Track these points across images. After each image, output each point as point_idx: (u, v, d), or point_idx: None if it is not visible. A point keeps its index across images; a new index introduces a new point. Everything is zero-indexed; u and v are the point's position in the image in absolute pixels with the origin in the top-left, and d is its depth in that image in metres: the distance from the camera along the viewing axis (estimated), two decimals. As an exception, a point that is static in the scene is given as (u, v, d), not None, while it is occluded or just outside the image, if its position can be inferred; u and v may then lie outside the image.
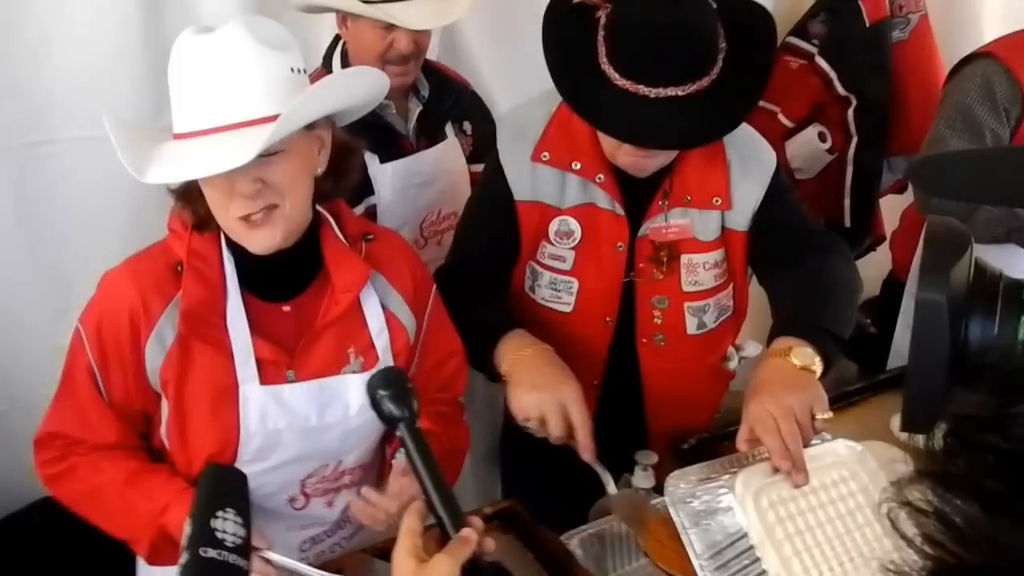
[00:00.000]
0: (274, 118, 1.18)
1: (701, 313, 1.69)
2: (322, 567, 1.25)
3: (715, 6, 1.45)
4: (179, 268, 1.30)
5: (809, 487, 1.27)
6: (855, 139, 2.72)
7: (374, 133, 1.92)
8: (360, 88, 1.36)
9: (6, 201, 1.93)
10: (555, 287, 1.67)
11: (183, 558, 1.06)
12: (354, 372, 1.36)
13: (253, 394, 1.32)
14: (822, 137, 2.74)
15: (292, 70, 1.24)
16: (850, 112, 2.71)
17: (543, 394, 1.44)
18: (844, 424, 1.50)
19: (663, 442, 1.68)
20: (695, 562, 1.20)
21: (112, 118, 1.24)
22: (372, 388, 1.05)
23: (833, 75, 2.70)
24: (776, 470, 1.27)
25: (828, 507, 1.28)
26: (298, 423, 1.34)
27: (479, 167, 2.05)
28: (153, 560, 1.35)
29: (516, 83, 2.16)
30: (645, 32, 1.40)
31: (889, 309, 2.35)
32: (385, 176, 1.96)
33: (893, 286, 2.40)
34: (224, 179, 1.20)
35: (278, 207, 1.25)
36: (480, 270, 1.67)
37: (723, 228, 1.63)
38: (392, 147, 1.97)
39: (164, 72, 2.05)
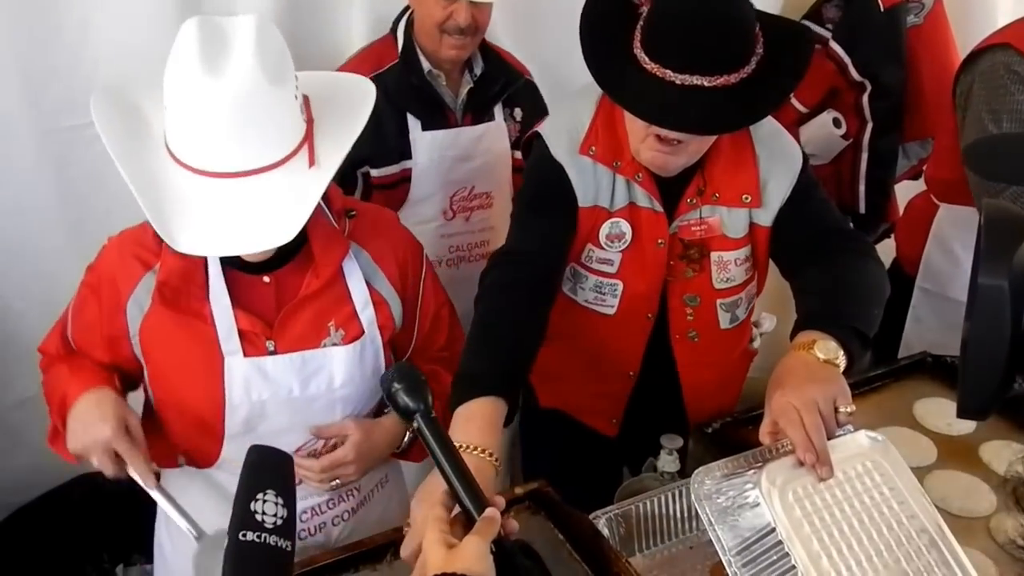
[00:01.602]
0: (291, 156, 1.22)
1: (734, 308, 1.71)
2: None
3: (754, 12, 1.45)
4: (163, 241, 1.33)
5: (834, 480, 1.26)
6: (870, 124, 2.72)
7: (421, 100, 2.02)
8: (358, 120, 1.33)
9: (49, 183, 1.96)
10: (600, 290, 1.68)
11: (226, 543, 1.08)
12: (335, 344, 1.40)
13: (237, 365, 1.35)
14: (836, 123, 2.73)
15: (295, 98, 1.25)
16: (865, 97, 2.70)
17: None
18: (866, 410, 1.49)
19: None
20: (724, 558, 1.19)
21: (102, 119, 1.25)
22: (386, 382, 1.07)
23: (847, 60, 2.69)
24: (801, 463, 1.27)
25: (854, 500, 1.26)
26: (281, 394, 1.38)
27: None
28: (52, 443, 1.40)
29: (558, 82, 2.19)
30: (678, 20, 1.41)
31: (895, 296, 2.36)
32: (424, 143, 2.02)
33: (897, 276, 2.41)
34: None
35: None
36: (536, 260, 1.55)
37: (750, 224, 1.64)
38: (437, 117, 2.04)
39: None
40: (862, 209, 2.80)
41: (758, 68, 1.42)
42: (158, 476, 1.32)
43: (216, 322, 1.34)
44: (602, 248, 1.64)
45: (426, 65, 2.01)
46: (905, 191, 2.79)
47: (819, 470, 1.26)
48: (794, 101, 2.77)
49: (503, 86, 2.09)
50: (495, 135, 2.10)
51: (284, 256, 1.38)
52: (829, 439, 1.28)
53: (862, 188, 2.79)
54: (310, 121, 1.28)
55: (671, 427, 1.66)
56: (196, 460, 1.44)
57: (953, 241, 2.20)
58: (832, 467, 1.26)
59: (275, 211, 1.21)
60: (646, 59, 1.43)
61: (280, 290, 1.39)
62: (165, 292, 1.33)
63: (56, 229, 1.99)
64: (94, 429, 1.28)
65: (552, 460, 1.88)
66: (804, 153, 1.65)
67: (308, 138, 1.27)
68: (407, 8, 2.05)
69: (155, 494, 1.26)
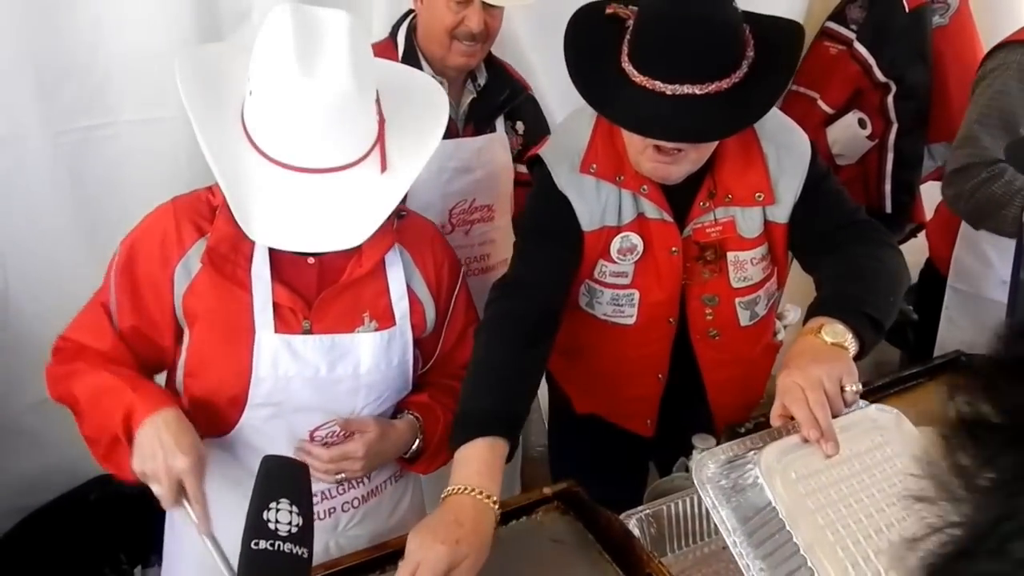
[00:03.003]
0: (364, 157, 1.30)
1: (753, 305, 1.70)
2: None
3: (743, 15, 1.43)
4: (217, 210, 1.37)
5: (841, 457, 1.24)
6: (895, 125, 2.71)
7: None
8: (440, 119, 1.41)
9: (64, 182, 1.96)
10: (617, 303, 1.66)
11: (239, 552, 1.07)
12: (367, 332, 1.42)
13: (267, 339, 1.37)
14: (862, 123, 2.73)
15: (375, 101, 1.32)
16: (890, 99, 2.70)
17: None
18: (900, 410, 1.48)
19: (726, 421, 1.69)
20: (728, 539, 1.19)
21: (197, 112, 1.28)
22: None
23: (872, 61, 2.69)
24: (806, 440, 1.25)
25: (862, 475, 1.24)
26: (308, 373, 1.39)
27: (525, 168, 2.06)
28: (106, 460, 1.36)
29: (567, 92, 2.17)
30: (664, 29, 1.40)
31: (929, 297, 2.36)
32: None
33: (932, 277, 2.39)
34: None
35: None
36: (538, 295, 1.53)
37: (765, 222, 1.63)
38: None
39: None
40: (888, 209, 2.79)
41: (750, 70, 1.40)
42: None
43: (254, 293, 1.37)
44: (614, 262, 1.63)
45: (429, 72, 1.95)
46: (931, 191, 2.78)
47: (824, 446, 1.24)
48: (820, 102, 2.78)
49: (507, 98, 2.05)
50: (497, 147, 2.05)
51: None
52: (835, 417, 1.27)
53: (888, 188, 2.79)
54: (382, 122, 1.34)
55: (700, 426, 1.64)
56: (214, 426, 1.43)
57: (982, 241, 2.19)
58: (837, 443, 1.24)
59: (348, 211, 1.28)
60: (635, 72, 1.41)
61: (323, 272, 1.41)
62: (214, 257, 1.36)
63: (71, 229, 2.00)
64: (170, 458, 1.24)
65: (582, 461, 1.87)
66: (812, 145, 1.63)
67: (380, 140, 1.33)
68: (408, 12, 2.01)
69: (207, 540, 1.22)
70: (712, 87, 1.37)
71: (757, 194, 1.59)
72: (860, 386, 1.31)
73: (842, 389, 1.29)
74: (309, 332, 1.39)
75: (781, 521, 1.17)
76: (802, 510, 1.18)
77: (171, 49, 1.94)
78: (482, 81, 2.03)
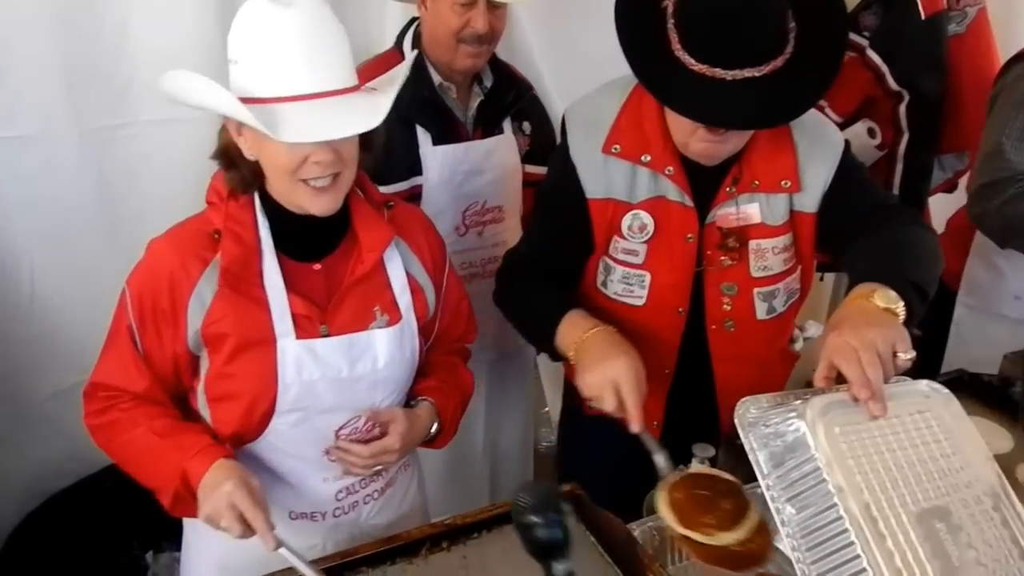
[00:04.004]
0: (357, 88, 1.32)
1: (771, 298, 1.70)
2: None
3: None
4: (216, 235, 1.40)
5: (886, 422, 1.21)
6: (906, 135, 2.68)
7: (432, 114, 1.98)
8: None
9: (88, 181, 2.02)
10: (627, 281, 1.69)
11: None
12: (380, 327, 1.47)
13: (290, 347, 1.41)
14: (871, 133, 2.69)
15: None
16: (902, 108, 2.66)
17: (596, 373, 1.49)
18: None
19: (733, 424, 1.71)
20: (763, 482, 1.18)
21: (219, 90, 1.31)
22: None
23: (885, 69, 2.64)
24: (855, 399, 1.22)
25: (907, 446, 1.20)
26: (331, 374, 1.44)
27: (534, 168, 2.10)
28: (175, 509, 1.43)
29: (573, 84, 2.20)
30: (714, 15, 1.40)
31: (935, 313, 2.34)
32: (435, 158, 1.99)
33: (939, 292, 2.36)
34: (306, 147, 1.30)
35: (340, 175, 1.36)
36: (547, 263, 1.70)
37: (791, 211, 1.64)
38: (447, 131, 2.00)
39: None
40: (896, 220, 2.75)
41: (798, 43, 1.41)
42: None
43: (271, 305, 1.40)
44: (625, 239, 1.66)
45: (436, 78, 1.98)
46: (939, 204, 2.77)
47: (872, 407, 1.21)
48: (828, 110, 2.73)
49: (513, 99, 2.08)
50: (506, 148, 2.08)
51: (330, 242, 1.46)
52: (886, 382, 1.23)
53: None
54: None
55: (706, 432, 1.67)
56: (241, 438, 1.48)
57: (996, 254, 2.17)
58: (886, 406, 1.21)
59: (357, 108, 1.31)
60: (692, 61, 1.42)
61: (329, 277, 1.45)
62: (229, 277, 1.39)
63: (93, 226, 2.05)
64: (217, 491, 1.32)
65: (590, 463, 1.90)
66: (847, 140, 1.64)
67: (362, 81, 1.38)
68: (413, 20, 2.04)
69: (283, 551, 1.28)
70: (769, 67, 1.39)
71: (783, 181, 1.60)
72: (913, 353, 1.27)
73: (894, 355, 1.25)
74: (327, 336, 1.43)
75: (818, 469, 1.15)
76: (842, 462, 1.15)
77: (193, 52, 2.00)
78: (488, 83, 2.05)
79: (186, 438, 1.41)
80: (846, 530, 1.11)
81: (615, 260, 1.69)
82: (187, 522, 1.64)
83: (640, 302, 1.70)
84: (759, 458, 1.20)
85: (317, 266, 1.45)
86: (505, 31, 2.01)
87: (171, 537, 2.25)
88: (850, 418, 1.21)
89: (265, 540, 1.28)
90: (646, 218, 1.63)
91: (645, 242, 1.65)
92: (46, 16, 1.87)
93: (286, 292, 1.41)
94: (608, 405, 1.48)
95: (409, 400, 1.57)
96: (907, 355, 1.26)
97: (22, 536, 2.09)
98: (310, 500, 1.53)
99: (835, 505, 1.13)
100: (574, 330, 1.56)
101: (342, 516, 1.57)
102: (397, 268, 1.50)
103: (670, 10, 1.45)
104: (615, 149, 1.60)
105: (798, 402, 1.24)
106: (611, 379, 1.47)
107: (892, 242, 1.49)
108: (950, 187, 2.81)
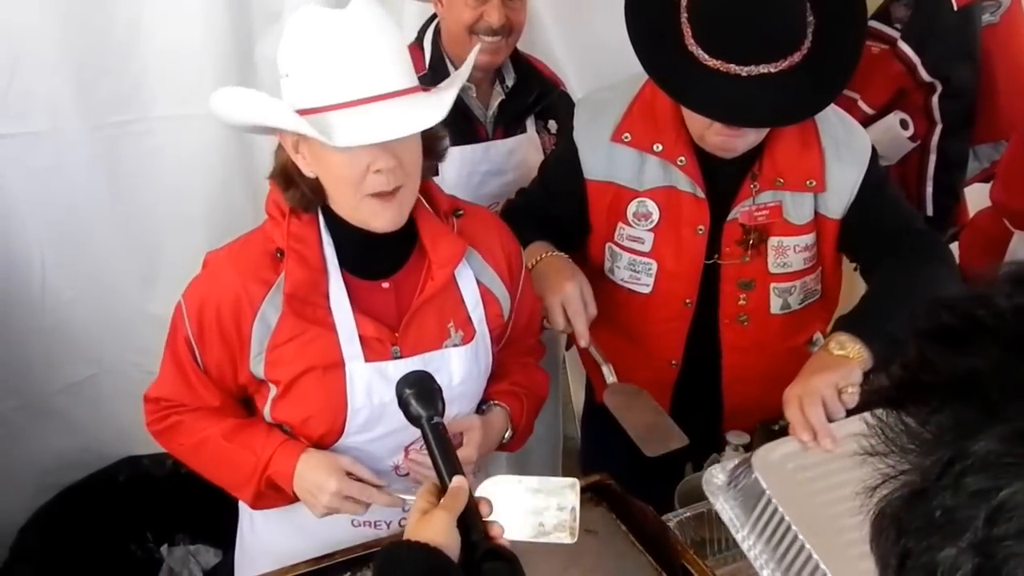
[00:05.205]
0: (414, 89, 1.25)
1: (787, 294, 1.68)
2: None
3: None
4: (279, 254, 1.33)
5: (844, 453, 1.26)
6: (939, 126, 2.62)
7: (449, 114, 1.96)
8: None
9: (100, 176, 2.04)
10: (634, 268, 1.68)
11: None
12: (455, 345, 1.41)
13: (359, 371, 1.35)
14: (904, 124, 2.64)
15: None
16: (934, 99, 2.61)
17: (547, 297, 1.56)
18: None
19: (738, 419, 1.68)
20: (736, 535, 1.27)
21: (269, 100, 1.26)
22: (400, 387, 1.17)
23: (916, 61, 2.59)
24: (804, 442, 1.32)
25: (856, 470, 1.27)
26: None
27: None
28: (257, 505, 1.43)
29: (600, 79, 2.16)
30: (729, 10, 1.38)
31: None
32: (452, 158, 1.91)
33: None
34: (366, 155, 1.23)
35: (403, 186, 1.28)
36: (539, 219, 1.70)
37: (816, 213, 1.61)
38: (466, 131, 1.96)
39: (250, 52, 2.12)
40: (929, 212, 2.70)
41: (816, 38, 1.38)
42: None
43: (338, 328, 1.35)
44: (630, 225, 1.64)
45: None
46: (976, 194, 2.69)
47: (822, 442, 1.30)
48: (860, 103, 2.69)
49: (537, 98, 2.02)
50: (528, 148, 2.03)
51: (398, 258, 1.39)
52: (831, 420, 1.32)
53: (929, 191, 2.69)
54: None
55: (715, 419, 1.69)
56: None
57: (1027, 252, 2.08)
58: (835, 438, 1.30)
59: (414, 107, 1.25)
60: (706, 56, 1.40)
61: (399, 294, 1.39)
62: (293, 303, 1.33)
63: (106, 221, 2.07)
64: (322, 495, 1.34)
65: (613, 458, 1.84)
66: (873, 147, 1.62)
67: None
68: (433, 17, 2.01)
69: (408, 498, 1.30)
70: (786, 63, 1.37)
71: (809, 180, 1.58)
72: (856, 388, 1.34)
73: (840, 393, 1.33)
74: (400, 357, 1.37)
75: (778, 510, 1.22)
76: (794, 494, 1.25)
77: (204, 49, 2.02)
78: (510, 82, 2.01)
79: (255, 440, 1.38)
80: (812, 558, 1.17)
81: (621, 247, 1.68)
82: (243, 513, 1.60)
83: (647, 290, 1.69)
84: (731, 516, 1.30)
85: (385, 284, 1.39)
86: (526, 26, 1.98)
87: (185, 530, 2.27)
88: (803, 455, 1.32)
89: (396, 505, 1.35)
90: (651, 206, 1.61)
91: (650, 230, 1.63)
92: (57, 13, 1.90)
93: (353, 313, 1.35)
94: (558, 324, 1.57)
95: (481, 404, 1.51)
96: (851, 389, 1.35)
97: (35, 529, 2.11)
98: (375, 508, 1.44)
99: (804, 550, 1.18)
100: (528, 258, 1.58)
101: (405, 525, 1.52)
102: (468, 280, 1.42)
103: (684, 2, 1.43)
104: (625, 138, 1.58)
105: (751, 454, 1.35)
106: (559, 301, 1.55)
107: (899, 282, 1.51)
108: (987, 177, 2.72)
